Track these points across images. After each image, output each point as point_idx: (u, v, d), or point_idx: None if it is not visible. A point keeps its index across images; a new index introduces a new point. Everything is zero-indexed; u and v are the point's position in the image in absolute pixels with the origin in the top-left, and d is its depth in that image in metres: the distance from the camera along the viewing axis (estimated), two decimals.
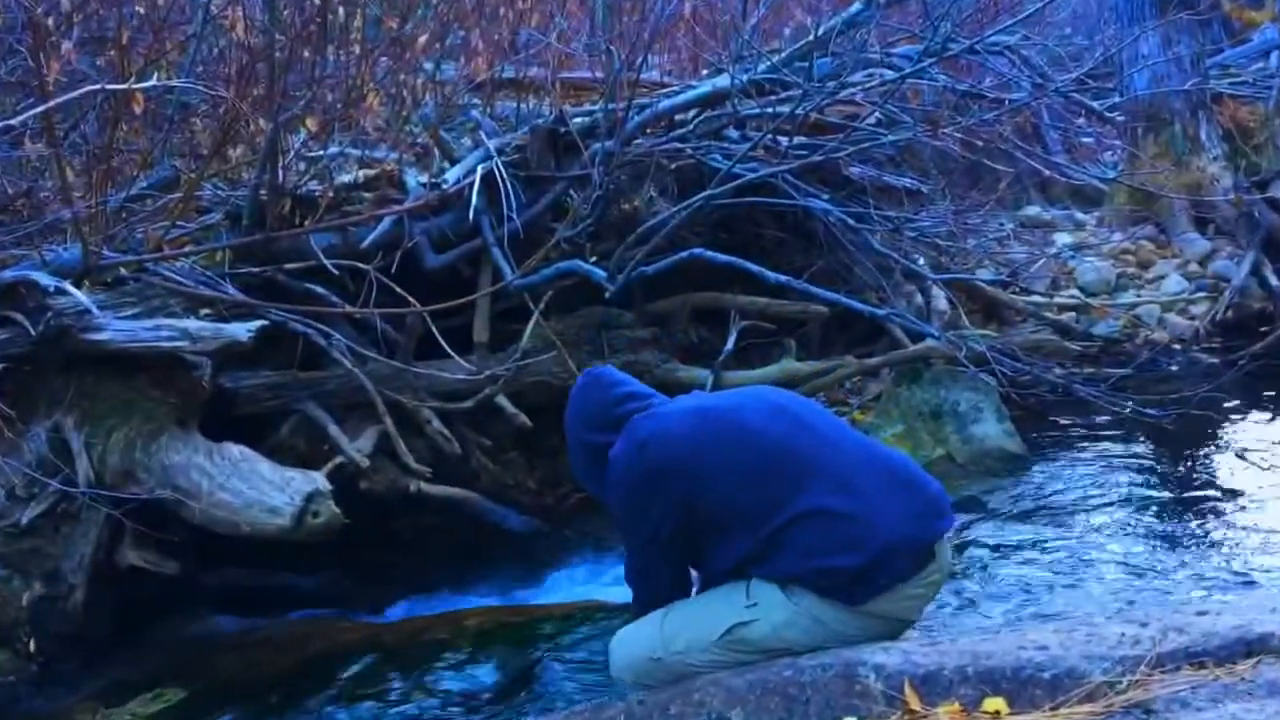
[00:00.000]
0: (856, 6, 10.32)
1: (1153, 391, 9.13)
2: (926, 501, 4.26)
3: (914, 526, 4.17)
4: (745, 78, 9.70)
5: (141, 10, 8.38)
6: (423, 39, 9.60)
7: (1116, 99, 14.21)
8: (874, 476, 4.23)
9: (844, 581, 4.10)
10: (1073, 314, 12.05)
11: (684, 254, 8.61)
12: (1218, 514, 7.32)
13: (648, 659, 4.37)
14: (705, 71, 11.48)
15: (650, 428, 4.27)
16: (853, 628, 4.16)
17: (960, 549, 6.84)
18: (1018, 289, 11.71)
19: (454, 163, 8.89)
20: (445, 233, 8.59)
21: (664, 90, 10.30)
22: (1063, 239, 13.88)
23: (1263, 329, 11.55)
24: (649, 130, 9.66)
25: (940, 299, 10.71)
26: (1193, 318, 12.22)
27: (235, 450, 6.55)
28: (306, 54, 8.33)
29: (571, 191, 9.23)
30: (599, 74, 11.09)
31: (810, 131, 9.76)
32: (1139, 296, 12.69)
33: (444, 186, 8.38)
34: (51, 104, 6.03)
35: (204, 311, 7.30)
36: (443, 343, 7.81)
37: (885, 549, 4.08)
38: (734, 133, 10.02)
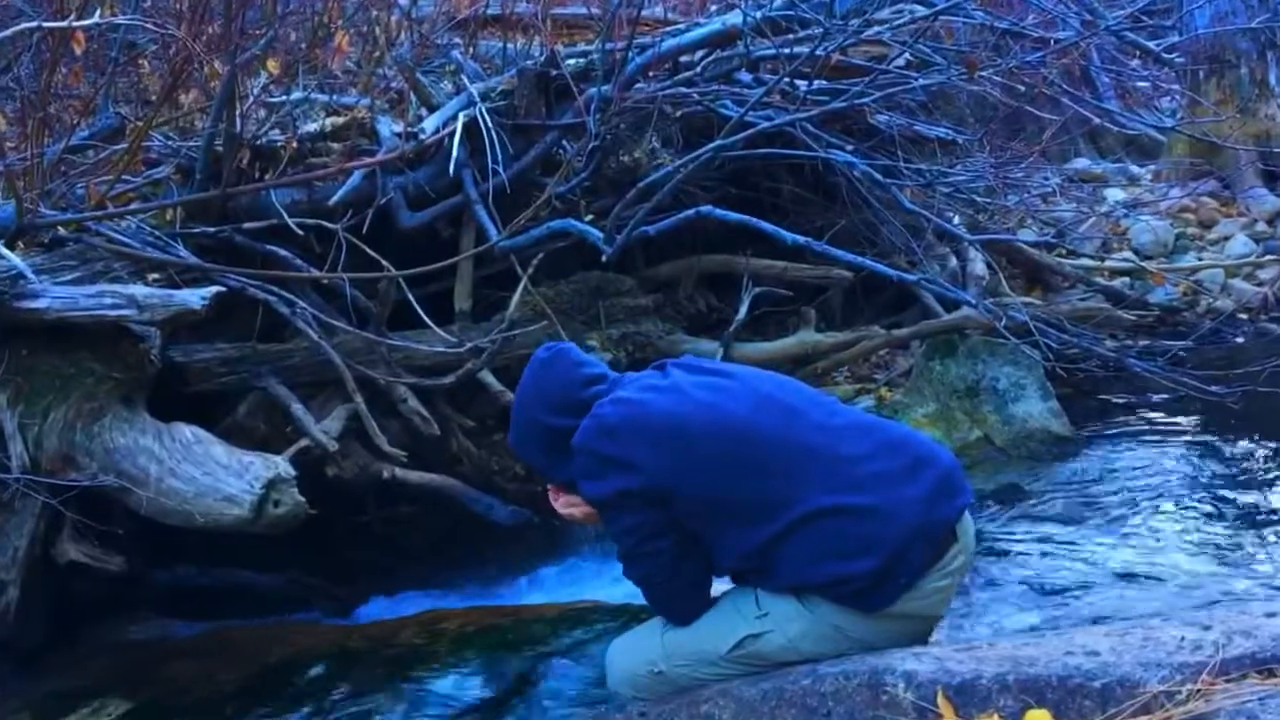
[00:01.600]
0: None
1: (1216, 366, 9.11)
2: (940, 478, 4.21)
3: (930, 510, 4.13)
4: (759, 14, 9.63)
5: None
6: None
7: (1175, 39, 14.16)
8: (878, 459, 4.19)
9: (861, 587, 4.07)
10: (1126, 279, 12.05)
11: (690, 212, 8.56)
12: None
13: (649, 672, 4.36)
14: (714, 7, 11.45)
15: (619, 413, 4.21)
16: (876, 633, 4.13)
17: (1001, 543, 6.83)
18: (1064, 251, 11.69)
19: (432, 110, 8.85)
20: (423, 188, 8.55)
21: (668, 28, 10.25)
22: (1115, 195, 13.88)
23: None
24: (651, 73, 9.62)
25: (977, 262, 10.70)
26: (1261, 283, 12.22)
27: (187, 432, 6.52)
28: None
29: (564, 142, 9.21)
30: (595, 10, 11.06)
31: (832, 75, 9.70)
32: (1200, 259, 12.69)
33: (421, 136, 8.34)
34: None
35: (152, 276, 7.27)
36: (420, 311, 7.80)
37: (902, 543, 4.05)
38: (746, 76, 9.98)
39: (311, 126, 8.54)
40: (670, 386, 4.32)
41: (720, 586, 4.45)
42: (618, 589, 6.40)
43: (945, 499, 4.18)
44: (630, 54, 8.89)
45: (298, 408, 7.59)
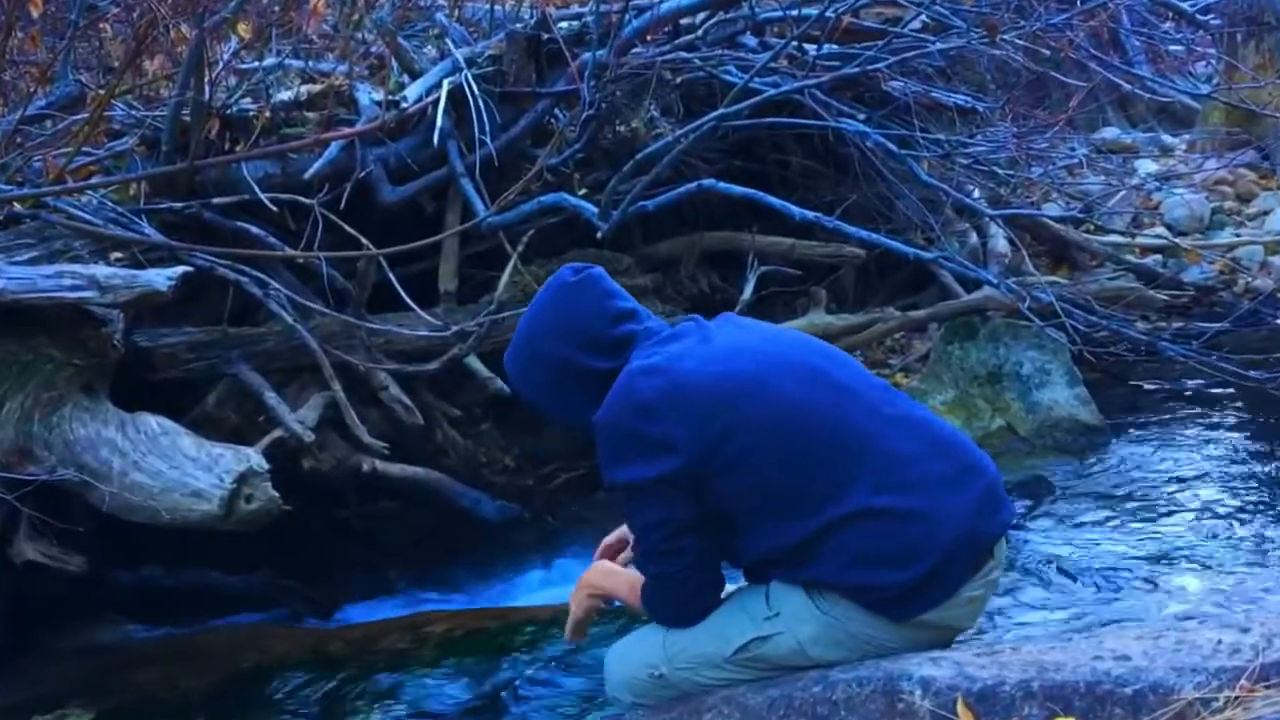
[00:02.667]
0: None
1: (1255, 349, 9.10)
2: (987, 490, 4.12)
3: (976, 524, 4.04)
4: None
5: None
6: None
7: None
8: (928, 461, 4.08)
9: (892, 597, 4.00)
10: (1158, 257, 12.04)
11: (692, 185, 8.55)
12: None
13: (649, 675, 4.30)
14: None
15: (656, 386, 4.01)
16: (897, 639, 4.07)
17: (1025, 540, 6.82)
18: (1092, 227, 11.68)
19: (415, 77, 8.83)
20: (405, 161, 8.54)
21: None
22: (1146, 167, 13.85)
23: None
24: (650, 37, 9.58)
25: (999, 239, 10.69)
26: None
27: (153, 422, 6.50)
28: None
29: (557, 111, 9.19)
30: None
31: (843, 39, 9.68)
32: (1238, 235, 12.67)
33: (403, 105, 8.32)
34: None
35: (115, 256, 7.26)
36: (402, 293, 7.78)
37: (946, 555, 3.97)
38: (751, 40, 9.97)
39: (285, 95, 8.51)
40: (711, 355, 4.13)
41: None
42: None
43: (991, 512, 4.10)
44: (627, 16, 8.86)
45: (271, 396, 7.58)
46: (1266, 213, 12.94)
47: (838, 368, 4.26)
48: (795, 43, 9.21)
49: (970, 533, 4.02)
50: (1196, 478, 7.73)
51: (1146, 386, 9.54)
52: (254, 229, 7.74)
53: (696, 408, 3.98)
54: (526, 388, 4.36)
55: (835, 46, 9.52)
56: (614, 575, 4.54)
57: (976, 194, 10.62)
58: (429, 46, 9.63)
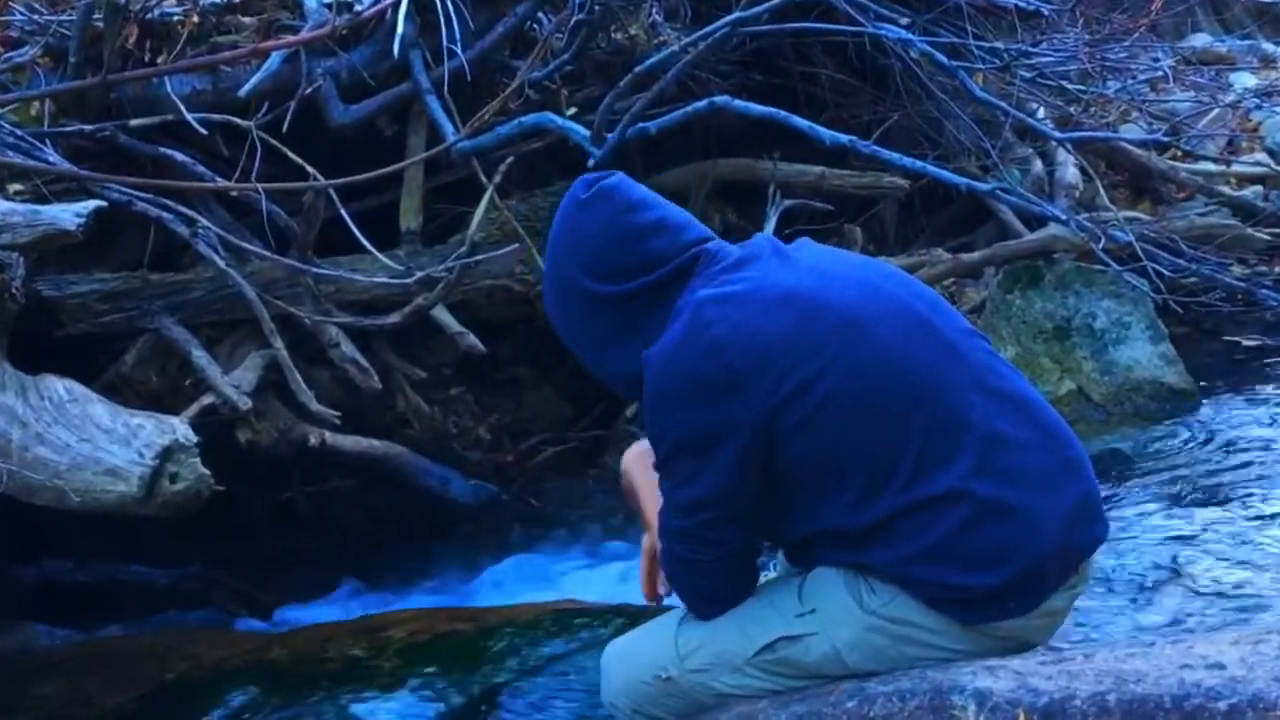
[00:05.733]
0: None
1: None
2: (1085, 494, 4.06)
3: (1071, 534, 3.99)
4: None
5: None
6: None
7: None
8: (1032, 450, 3.99)
9: (967, 599, 3.94)
10: (1258, 188, 12.00)
11: (702, 104, 8.52)
12: None
13: (655, 679, 4.23)
14: None
15: (727, 318, 3.85)
16: (957, 643, 4.03)
17: None
18: (1179, 153, 11.65)
19: None
20: (360, 74, 8.52)
21: None
22: (1243, 81, 13.81)
23: None
24: None
25: (1068, 167, 10.66)
26: None
27: (59, 386, 6.49)
28: None
29: (540, 15, 9.15)
30: None
31: None
32: None
33: (357, 8, 8.30)
34: None
35: (14, 188, 7.25)
36: (356, 232, 7.75)
37: (1035, 565, 3.91)
38: None
39: None
40: (795, 285, 3.97)
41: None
42: (608, 586, 6.39)
43: (1087, 521, 4.05)
44: None
45: (200, 355, 7.57)
46: None
47: (942, 319, 4.13)
48: None
49: (1064, 542, 3.95)
50: None
51: (1244, 342, 9.53)
52: (179, 156, 7.72)
53: (775, 347, 3.84)
54: (564, 327, 4.24)
55: None
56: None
57: (1041, 114, 10.60)
58: None
